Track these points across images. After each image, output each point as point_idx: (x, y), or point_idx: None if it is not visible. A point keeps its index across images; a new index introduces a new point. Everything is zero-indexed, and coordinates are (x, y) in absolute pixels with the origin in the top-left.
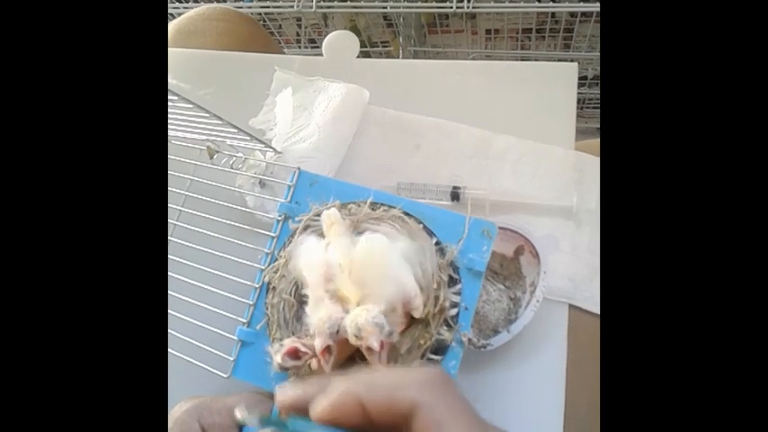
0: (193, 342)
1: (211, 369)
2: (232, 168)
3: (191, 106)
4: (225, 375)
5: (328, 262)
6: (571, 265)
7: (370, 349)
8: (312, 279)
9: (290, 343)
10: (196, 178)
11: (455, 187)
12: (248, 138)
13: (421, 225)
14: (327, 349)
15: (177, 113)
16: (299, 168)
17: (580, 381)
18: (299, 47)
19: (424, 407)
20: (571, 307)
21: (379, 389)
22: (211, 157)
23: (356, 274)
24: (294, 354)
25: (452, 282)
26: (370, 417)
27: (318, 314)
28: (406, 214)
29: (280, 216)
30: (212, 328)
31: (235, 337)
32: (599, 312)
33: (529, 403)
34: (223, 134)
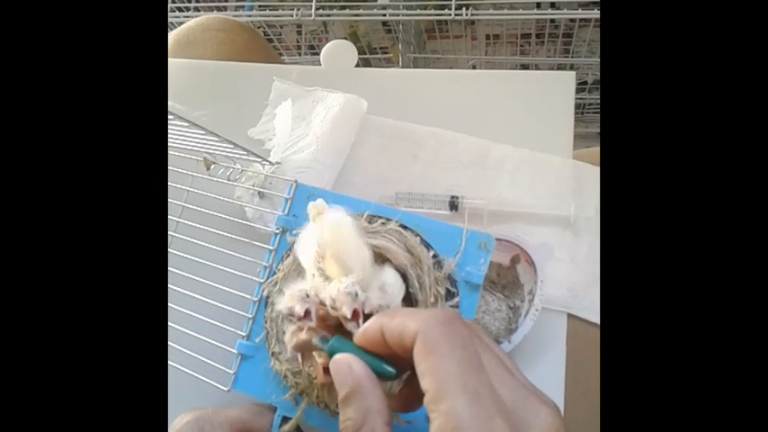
0: (194, 355)
1: (212, 382)
2: (229, 180)
3: (186, 124)
4: (225, 388)
5: (319, 243)
6: (570, 275)
7: (346, 318)
8: (305, 260)
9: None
10: (193, 189)
11: (453, 197)
12: (245, 152)
13: (418, 238)
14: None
15: (174, 131)
16: (296, 181)
17: (579, 390)
18: (299, 54)
19: (423, 334)
20: (570, 316)
21: (395, 321)
22: (208, 169)
23: (334, 252)
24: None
25: (450, 295)
26: (389, 345)
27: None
28: (404, 227)
29: (277, 229)
30: (212, 341)
31: (234, 351)
32: (598, 322)
33: None
34: (220, 148)
